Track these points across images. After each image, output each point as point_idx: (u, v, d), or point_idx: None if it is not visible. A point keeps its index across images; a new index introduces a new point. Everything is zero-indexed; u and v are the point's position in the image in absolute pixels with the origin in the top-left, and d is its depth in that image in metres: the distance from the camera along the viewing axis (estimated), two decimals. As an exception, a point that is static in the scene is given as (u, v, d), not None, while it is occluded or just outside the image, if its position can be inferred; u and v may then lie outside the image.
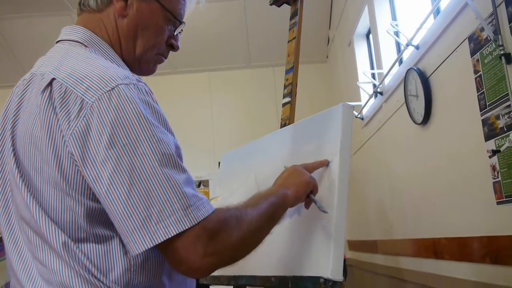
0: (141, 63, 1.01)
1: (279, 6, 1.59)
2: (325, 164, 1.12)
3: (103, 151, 0.75)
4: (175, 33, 1.04)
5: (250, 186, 1.40)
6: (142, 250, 0.75)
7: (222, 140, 5.29)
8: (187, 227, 0.75)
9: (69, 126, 0.77)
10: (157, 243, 0.74)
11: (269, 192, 0.99)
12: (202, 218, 0.77)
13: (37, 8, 4.73)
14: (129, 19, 0.96)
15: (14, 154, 0.86)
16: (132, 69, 1.00)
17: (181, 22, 1.03)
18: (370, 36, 3.89)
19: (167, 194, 0.76)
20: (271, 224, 0.93)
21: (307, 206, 1.12)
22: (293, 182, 1.04)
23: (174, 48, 1.06)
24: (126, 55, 0.98)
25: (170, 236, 0.74)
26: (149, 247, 0.74)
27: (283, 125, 1.43)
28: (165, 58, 1.06)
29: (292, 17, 1.51)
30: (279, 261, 1.17)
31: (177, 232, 0.74)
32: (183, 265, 0.77)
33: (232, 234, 0.80)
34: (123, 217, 0.75)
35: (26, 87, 0.90)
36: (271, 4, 1.58)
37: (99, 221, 0.81)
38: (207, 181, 5.49)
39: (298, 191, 1.04)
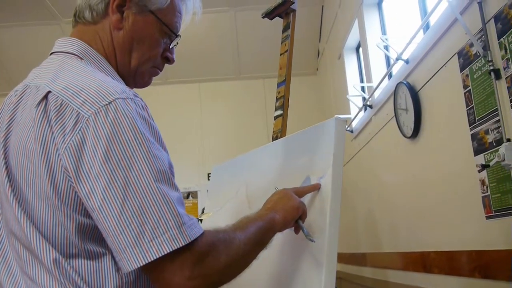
0: (136, 75, 1.00)
1: (271, 19, 1.60)
2: (317, 188, 1.11)
3: (98, 165, 0.74)
4: (170, 46, 1.03)
5: (241, 199, 1.39)
6: (134, 268, 0.73)
7: (212, 151, 5.28)
8: (181, 245, 0.74)
9: (64, 140, 0.76)
10: (150, 260, 0.72)
11: (258, 216, 0.98)
12: (195, 237, 0.76)
13: (26, 17, 4.71)
14: (125, 31, 0.96)
15: (6, 167, 0.84)
16: (127, 81, 1.00)
17: (176, 35, 1.03)
18: (360, 49, 3.92)
19: (162, 211, 0.74)
20: (258, 249, 0.92)
21: (296, 231, 1.12)
22: (282, 207, 1.03)
23: (169, 61, 1.05)
24: (121, 67, 0.98)
25: (163, 254, 0.73)
26: (142, 264, 0.73)
27: (274, 138, 1.42)
28: (160, 71, 1.05)
29: (284, 30, 1.51)
30: (271, 277, 1.16)
31: (171, 250, 0.73)
32: (168, 287, 0.75)
33: (219, 258, 0.79)
34: (115, 233, 0.73)
35: (20, 98, 0.88)
36: (263, 17, 1.59)
37: (91, 237, 0.79)
38: (196, 192, 5.46)
39: (286, 216, 1.02)
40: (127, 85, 0.99)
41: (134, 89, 1.03)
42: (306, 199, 1.13)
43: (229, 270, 0.82)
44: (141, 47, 0.98)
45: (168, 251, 0.73)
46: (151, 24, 0.98)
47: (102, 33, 0.96)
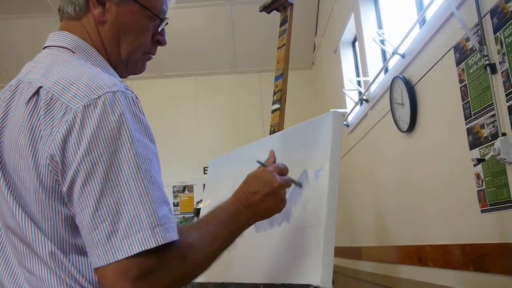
0: (128, 65, 0.99)
1: (268, 13, 1.59)
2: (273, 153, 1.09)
3: (79, 157, 0.74)
4: (159, 29, 1.01)
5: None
6: (103, 265, 0.72)
7: (207, 145, 5.28)
8: (152, 247, 0.72)
9: (51, 132, 0.76)
10: (119, 259, 0.71)
11: (231, 219, 0.94)
12: (169, 241, 0.74)
13: (21, 10, 4.67)
14: (110, 24, 0.94)
15: (0, 163, 0.84)
16: (121, 71, 0.99)
17: (163, 19, 1.01)
18: (356, 43, 3.92)
19: (137, 210, 0.73)
20: (218, 256, 0.89)
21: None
22: (264, 207, 0.99)
23: (161, 43, 1.03)
24: (112, 58, 0.97)
25: (132, 254, 0.71)
26: (111, 262, 0.71)
27: (272, 131, 1.43)
28: (153, 55, 1.03)
29: (281, 24, 1.51)
30: (268, 268, 1.17)
31: (141, 250, 0.71)
32: None
33: (168, 274, 0.75)
34: (89, 228, 0.73)
35: (13, 93, 0.88)
36: (261, 11, 1.59)
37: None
38: (192, 186, 5.47)
39: (265, 215, 1.00)
40: (121, 74, 0.99)
41: (131, 76, 1.02)
42: (303, 192, 1.13)
43: (180, 282, 0.79)
44: (128, 37, 0.96)
45: (138, 251, 0.71)
46: (135, 13, 0.96)
47: (88, 28, 0.95)
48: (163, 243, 0.73)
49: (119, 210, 0.73)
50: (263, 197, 0.98)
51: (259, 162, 1.05)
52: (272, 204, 1.00)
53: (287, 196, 1.06)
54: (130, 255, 0.71)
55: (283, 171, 1.05)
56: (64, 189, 0.75)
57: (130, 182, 0.74)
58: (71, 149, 0.74)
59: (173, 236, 0.76)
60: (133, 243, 0.72)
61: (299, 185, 1.12)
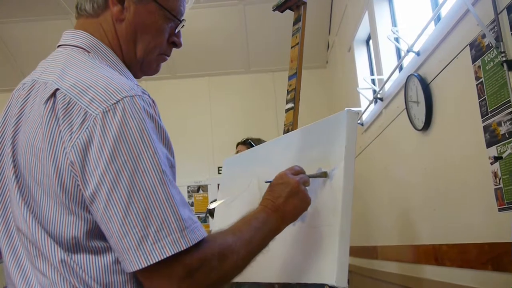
0: (143, 65, 0.99)
1: (282, 12, 1.59)
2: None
3: (103, 165, 0.74)
4: (176, 31, 1.01)
5: (253, 192, 1.39)
6: (136, 269, 0.73)
7: (221, 145, 5.29)
8: (182, 249, 0.74)
9: (71, 138, 0.76)
10: (152, 263, 0.73)
11: (262, 221, 0.95)
12: (197, 241, 0.76)
13: (37, 12, 4.74)
14: (127, 22, 0.94)
15: (14, 165, 0.84)
16: (135, 71, 0.99)
17: (180, 20, 1.01)
18: (370, 42, 3.89)
19: (165, 214, 0.75)
20: (255, 256, 0.91)
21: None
22: (290, 210, 1.01)
23: (177, 45, 1.03)
24: (128, 58, 0.96)
25: (165, 257, 0.73)
26: (144, 266, 0.73)
27: (286, 130, 1.42)
28: (168, 57, 1.03)
29: (295, 23, 1.51)
30: (283, 268, 1.16)
31: (173, 253, 0.73)
32: None
33: (210, 274, 0.78)
34: (119, 234, 0.74)
35: (28, 93, 0.88)
36: (274, 10, 1.58)
37: (99, 234, 0.79)
38: (206, 186, 5.48)
39: (292, 218, 1.02)
40: (135, 75, 0.99)
41: (145, 77, 1.03)
42: (318, 191, 1.13)
43: (219, 284, 0.81)
44: (145, 37, 0.96)
45: (170, 254, 0.73)
46: (153, 12, 0.95)
47: (105, 26, 0.94)
48: (192, 244, 0.75)
49: (148, 216, 0.74)
50: (286, 199, 1.01)
51: (267, 181, 1.08)
52: (296, 203, 1.02)
53: None
54: (162, 258, 0.73)
55: (297, 171, 1.08)
56: (87, 195, 0.75)
57: (156, 187, 0.75)
58: (94, 157, 0.74)
59: (202, 234, 0.78)
60: (164, 246, 0.73)
61: (323, 175, 1.12)
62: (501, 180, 1.70)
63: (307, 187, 1.06)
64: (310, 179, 1.09)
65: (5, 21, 4.85)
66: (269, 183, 1.06)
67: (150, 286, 0.77)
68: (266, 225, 0.95)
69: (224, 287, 0.84)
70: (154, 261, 0.73)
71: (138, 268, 0.73)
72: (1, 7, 4.65)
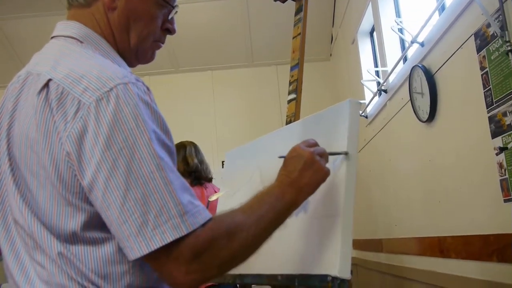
0: (138, 53, 0.98)
1: (283, 2, 1.58)
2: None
3: (99, 153, 0.73)
4: (169, 17, 1.00)
5: (255, 183, 1.39)
6: (138, 256, 0.73)
7: (225, 139, 5.28)
8: (183, 234, 0.74)
9: (65, 128, 0.75)
10: (153, 249, 0.72)
11: (274, 197, 0.93)
12: (199, 225, 0.75)
13: (40, 8, 4.73)
14: (119, 11, 0.94)
15: (10, 158, 0.84)
16: (130, 60, 0.98)
17: (173, 6, 1.00)
18: (374, 33, 3.87)
19: (164, 200, 0.74)
20: (269, 234, 0.89)
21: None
22: (305, 181, 0.97)
23: (170, 32, 1.02)
24: (122, 47, 0.96)
25: (166, 243, 0.73)
26: (146, 253, 0.73)
27: (288, 122, 1.42)
28: (163, 43, 1.02)
29: (296, 13, 1.49)
30: (286, 259, 1.16)
31: (173, 239, 0.73)
32: (167, 280, 0.76)
33: (219, 254, 0.77)
34: (119, 222, 0.73)
35: (22, 86, 0.88)
36: (275, 0, 1.57)
37: (97, 225, 0.79)
38: (210, 179, 5.47)
39: (308, 191, 0.98)
40: (130, 63, 0.98)
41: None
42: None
43: (230, 263, 0.81)
44: (138, 24, 0.95)
45: (171, 240, 0.73)
46: (145, 0, 0.95)
47: (97, 15, 0.94)
48: (193, 228, 0.75)
49: (146, 202, 0.73)
50: (301, 172, 0.97)
51: (281, 156, 1.04)
52: (312, 175, 0.98)
53: None
54: (163, 244, 0.72)
55: (312, 144, 1.04)
56: (85, 184, 0.75)
57: (154, 173, 0.75)
58: (89, 146, 0.74)
59: (205, 216, 0.77)
60: (165, 231, 0.73)
61: (343, 153, 1.08)
62: (506, 171, 1.69)
63: (325, 161, 1.02)
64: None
65: (8, 17, 4.84)
66: (283, 158, 1.03)
67: (160, 271, 0.76)
68: (280, 200, 0.92)
69: (237, 265, 0.83)
70: (155, 247, 0.72)
71: (140, 255, 0.73)
72: (3, 3, 4.65)
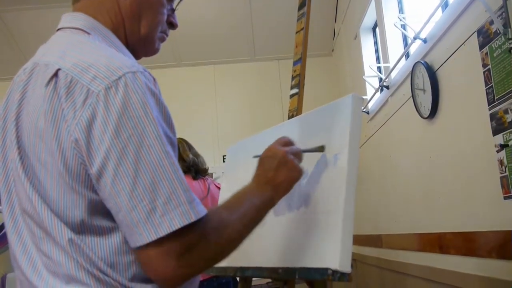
0: (146, 43, 0.99)
1: (286, -3, 1.57)
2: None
3: (108, 141, 0.74)
4: (174, 7, 1.02)
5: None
6: (146, 243, 0.74)
7: (226, 133, 5.28)
8: (192, 221, 0.74)
9: (74, 116, 0.76)
10: (161, 235, 0.73)
11: (255, 195, 0.95)
12: (204, 213, 0.77)
13: (42, 0, 4.72)
14: None
15: (18, 147, 0.84)
16: (137, 51, 0.99)
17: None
18: (377, 29, 3.86)
19: (173, 186, 0.75)
20: (251, 231, 0.91)
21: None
22: (281, 180, 0.99)
23: (173, 26, 1.04)
24: (131, 37, 0.97)
25: (174, 229, 0.73)
26: (153, 239, 0.73)
27: (290, 116, 1.42)
28: (167, 36, 1.04)
29: (300, 8, 1.49)
30: (286, 252, 1.17)
31: (182, 225, 0.74)
32: (153, 274, 0.76)
33: (208, 249, 0.79)
34: (127, 208, 0.74)
35: (29, 77, 0.88)
36: (279, -5, 1.57)
37: (103, 214, 0.79)
38: (211, 174, 5.48)
39: (286, 188, 1.01)
40: (136, 55, 0.99)
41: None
42: (322, 176, 1.13)
43: (218, 257, 0.82)
44: (149, 12, 0.96)
45: (179, 226, 0.73)
46: None
47: (107, 4, 0.94)
48: (200, 216, 0.76)
49: (156, 188, 0.74)
50: (276, 170, 1.00)
51: (256, 156, 1.07)
52: (286, 174, 1.00)
53: (305, 180, 1.05)
54: (171, 230, 0.73)
55: (285, 142, 1.07)
56: (93, 171, 0.76)
57: (163, 160, 0.75)
58: (98, 133, 0.74)
59: (204, 210, 0.78)
60: (173, 218, 0.74)
61: (319, 150, 1.11)
62: (506, 168, 1.69)
63: (299, 160, 1.05)
64: (307, 153, 1.09)
65: (10, 9, 4.83)
66: (258, 158, 1.05)
67: (149, 265, 0.76)
68: (258, 198, 0.95)
69: (220, 261, 0.84)
70: (163, 234, 0.73)
71: (148, 241, 0.73)
72: (6, -5, 4.64)
